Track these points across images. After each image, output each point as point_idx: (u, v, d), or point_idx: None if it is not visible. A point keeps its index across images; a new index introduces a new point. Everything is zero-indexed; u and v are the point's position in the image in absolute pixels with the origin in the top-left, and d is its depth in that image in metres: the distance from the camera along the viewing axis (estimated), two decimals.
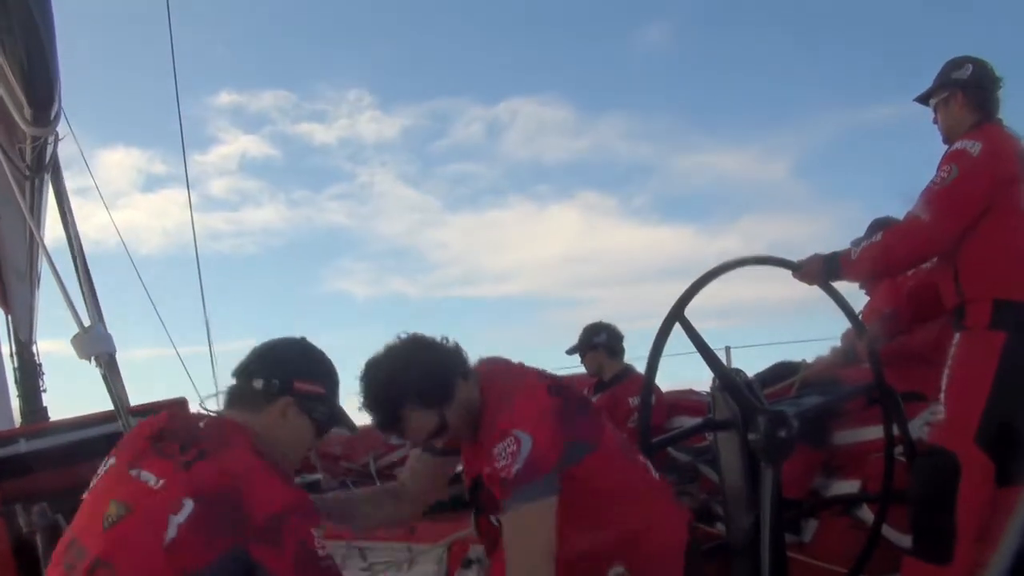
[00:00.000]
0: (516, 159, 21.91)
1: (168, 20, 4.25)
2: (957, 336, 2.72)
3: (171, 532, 1.48)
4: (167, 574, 1.46)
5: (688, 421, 3.76)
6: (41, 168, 2.90)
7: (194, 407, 3.47)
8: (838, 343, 3.43)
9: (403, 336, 2.06)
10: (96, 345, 2.47)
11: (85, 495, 1.67)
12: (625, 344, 4.61)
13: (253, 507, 1.51)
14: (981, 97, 2.82)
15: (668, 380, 4.32)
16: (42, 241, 3.36)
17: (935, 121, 2.93)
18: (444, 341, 2.08)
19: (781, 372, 3.51)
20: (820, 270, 2.82)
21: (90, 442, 3.18)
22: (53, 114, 2.52)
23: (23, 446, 3.40)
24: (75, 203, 2.83)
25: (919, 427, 2.91)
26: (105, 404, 2.54)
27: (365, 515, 2.32)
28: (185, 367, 4.85)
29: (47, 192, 3.21)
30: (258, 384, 1.77)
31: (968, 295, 2.69)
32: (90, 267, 2.64)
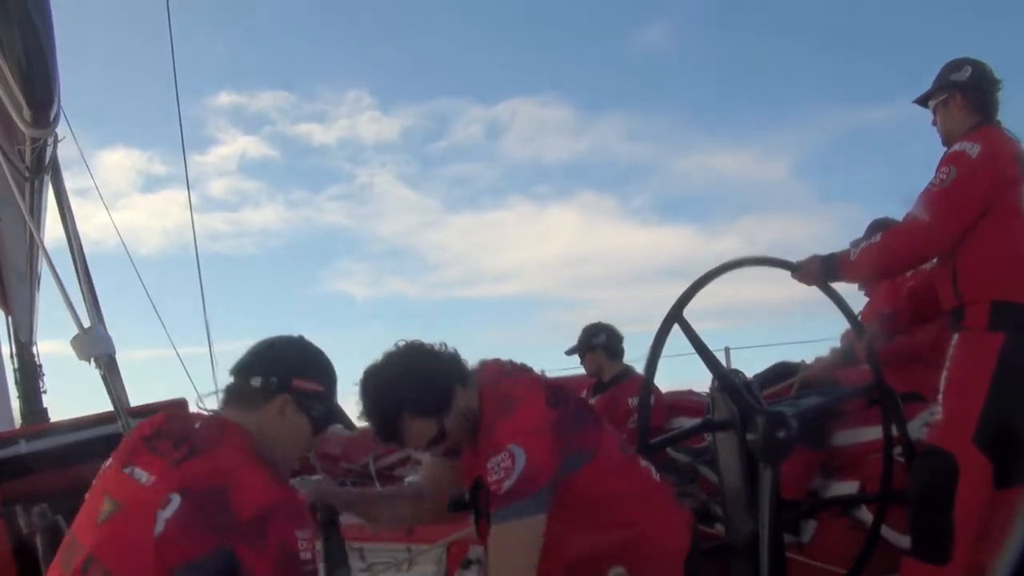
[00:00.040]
0: (516, 159, 21.96)
1: (168, 20, 4.23)
2: (956, 337, 2.72)
3: (159, 527, 1.48)
4: (156, 569, 1.46)
5: (687, 422, 3.75)
6: (41, 169, 2.89)
7: (194, 407, 3.48)
8: (837, 344, 3.43)
9: (402, 344, 2.05)
10: (96, 346, 2.46)
11: (86, 496, 1.68)
12: (625, 345, 4.62)
13: (240, 505, 1.50)
14: (980, 99, 2.82)
15: (667, 381, 4.35)
16: (42, 242, 3.35)
17: (934, 123, 2.93)
18: (443, 348, 2.07)
19: (780, 373, 3.52)
20: (819, 271, 2.82)
21: (90, 443, 3.17)
22: (52, 115, 2.51)
23: (23, 447, 3.39)
24: (75, 204, 2.83)
25: (918, 428, 2.92)
26: (105, 405, 2.54)
27: (391, 514, 2.36)
28: (185, 367, 4.82)
29: (47, 193, 3.20)
30: (256, 382, 1.76)
31: (967, 296, 2.69)
32: (90, 268, 2.64)
